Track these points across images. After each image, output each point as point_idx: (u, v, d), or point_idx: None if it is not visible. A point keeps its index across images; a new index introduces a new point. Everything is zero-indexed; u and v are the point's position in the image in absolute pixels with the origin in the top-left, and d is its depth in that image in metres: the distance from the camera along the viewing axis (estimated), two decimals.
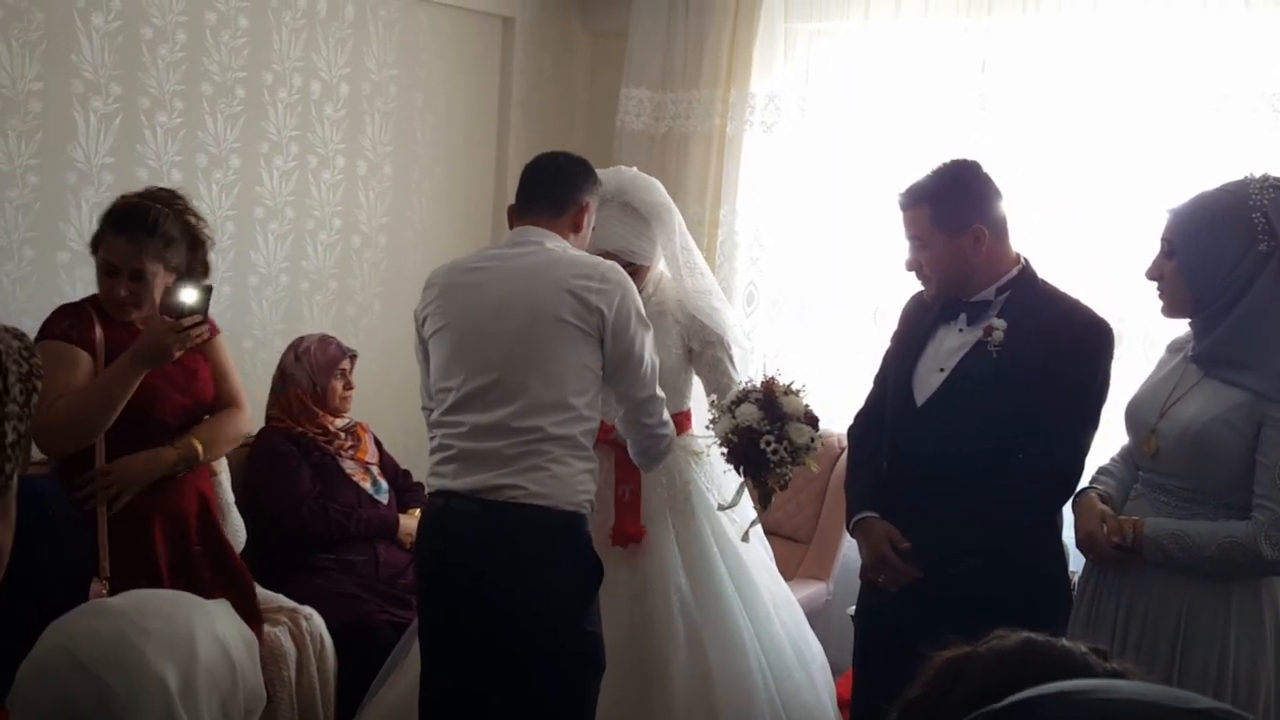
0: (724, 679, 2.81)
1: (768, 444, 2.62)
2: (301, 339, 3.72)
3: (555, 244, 2.52)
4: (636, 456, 2.67)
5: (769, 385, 2.70)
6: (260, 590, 3.37)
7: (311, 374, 3.64)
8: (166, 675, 1.26)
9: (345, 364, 3.69)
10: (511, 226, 2.62)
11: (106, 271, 2.71)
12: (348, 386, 3.71)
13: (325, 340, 3.71)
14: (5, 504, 0.83)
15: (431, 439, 2.57)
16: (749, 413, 2.65)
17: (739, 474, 2.74)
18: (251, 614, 2.84)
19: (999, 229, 2.59)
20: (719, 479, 3.00)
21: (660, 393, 2.57)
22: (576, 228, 2.59)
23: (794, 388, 2.72)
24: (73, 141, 3.39)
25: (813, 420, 2.70)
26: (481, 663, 2.45)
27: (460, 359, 2.48)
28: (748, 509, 2.93)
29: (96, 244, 2.74)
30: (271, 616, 3.25)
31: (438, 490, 2.49)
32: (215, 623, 1.35)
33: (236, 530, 3.40)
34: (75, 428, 2.61)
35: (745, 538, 2.90)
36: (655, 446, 2.63)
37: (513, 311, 2.43)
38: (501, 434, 2.40)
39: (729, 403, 2.72)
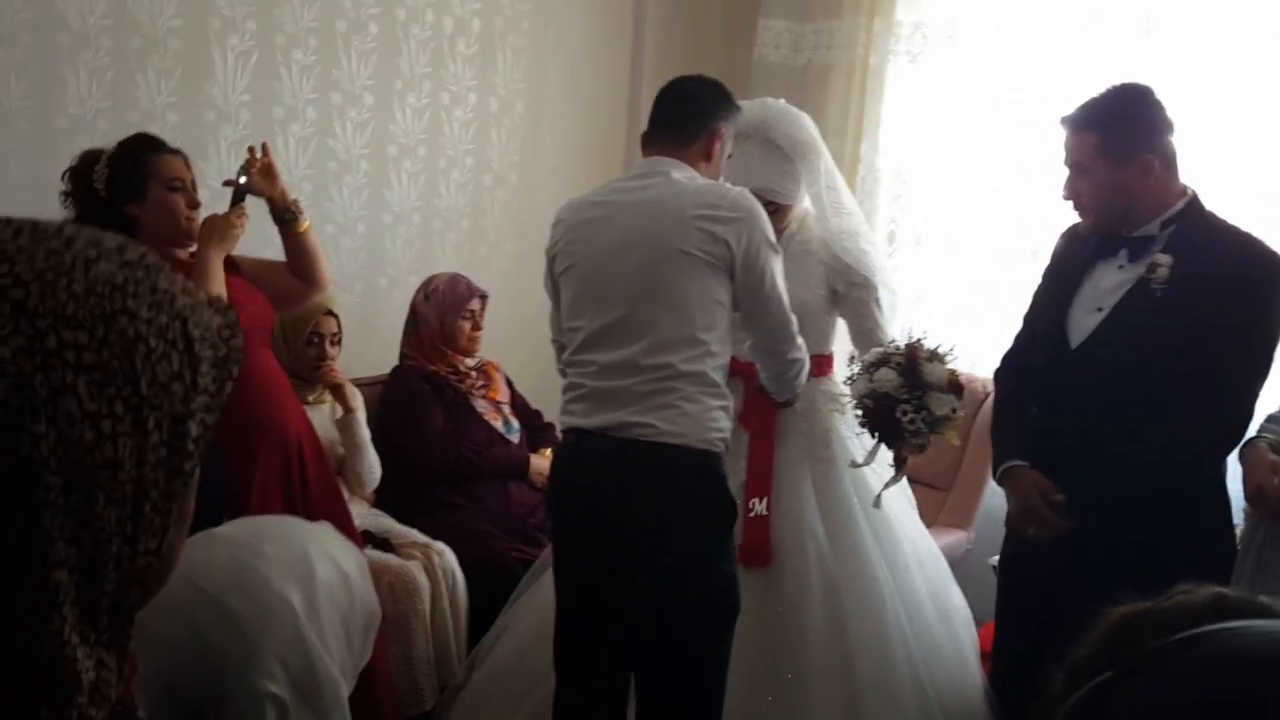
0: (860, 633, 2.72)
1: (904, 413, 2.51)
2: (432, 278, 3.72)
3: (682, 174, 2.43)
4: (769, 383, 2.60)
5: (912, 350, 2.58)
6: (393, 524, 3.42)
7: (440, 313, 3.64)
8: (290, 596, 1.25)
9: (474, 304, 3.68)
10: (644, 154, 2.54)
11: (172, 189, 2.66)
12: (475, 327, 3.68)
13: (455, 280, 3.70)
14: (184, 503, 0.77)
15: (563, 375, 2.54)
16: (887, 379, 2.54)
17: (872, 438, 2.64)
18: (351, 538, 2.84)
19: (1169, 161, 2.42)
20: (858, 429, 2.88)
21: (793, 317, 2.48)
22: (707, 156, 2.49)
23: (940, 352, 2.58)
24: (210, 79, 3.42)
25: (957, 389, 2.56)
26: (616, 601, 2.41)
27: (587, 297, 2.43)
28: (883, 467, 2.80)
29: (135, 179, 2.64)
30: (405, 551, 3.28)
31: (569, 428, 2.47)
32: (326, 542, 1.34)
33: (372, 467, 3.44)
34: None
35: (877, 504, 2.77)
36: (787, 372, 2.54)
37: (637, 246, 2.36)
38: (630, 371, 2.35)
39: (868, 363, 2.61)
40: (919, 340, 2.62)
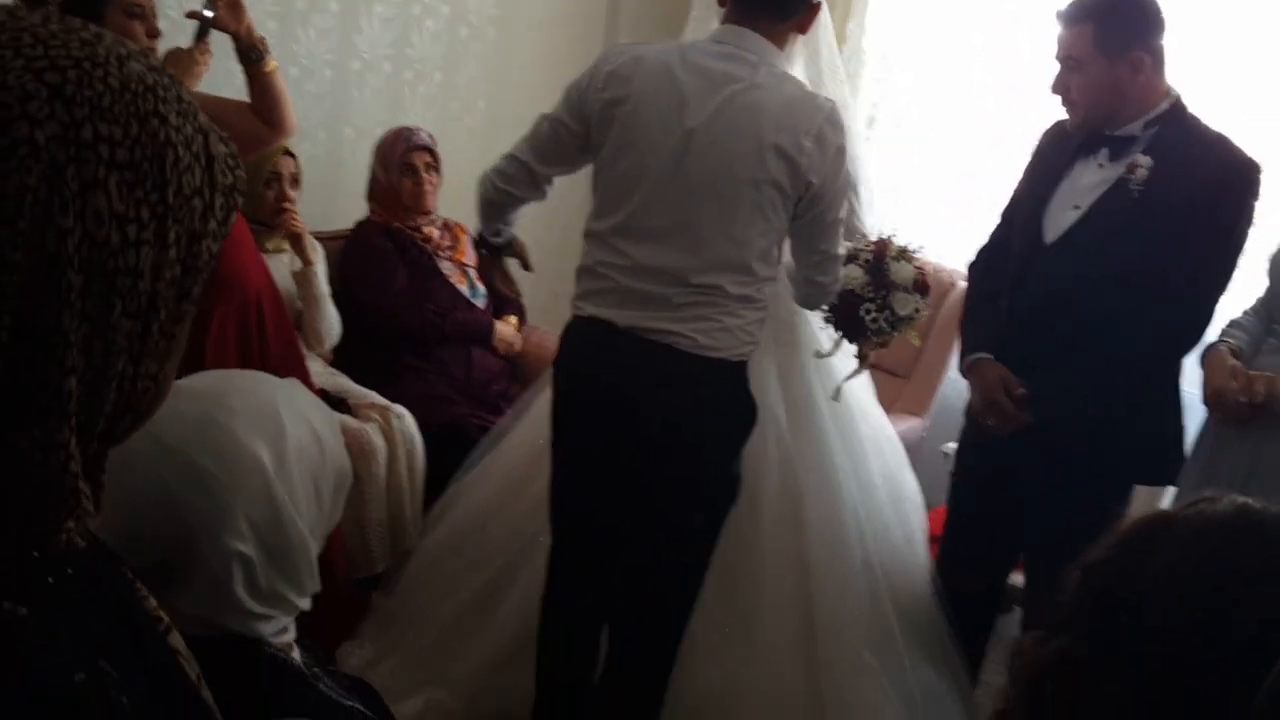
0: (815, 514, 2.75)
1: (867, 311, 2.51)
2: (387, 132, 3.61)
3: (771, 71, 2.24)
4: (794, 298, 2.56)
5: (881, 247, 2.57)
6: (351, 385, 3.38)
7: (383, 168, 3.53)
8: (260, 452, 1.21)
9: (415, 158, 3.52)
10: (724, 9, 2.31)
11: (131, 15, 2.48)
12: (417, 184, 3.53)
13: (398, 133, 3.56)
14: (183, 333, 0.76)
15: (491, 186, 2.48)
16: (854, 276, 2.53)
17: (836, 333, 2.65)
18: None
19: (1159, 60, 2.43)
20: (822, 324, 2.88)
21: (842, 251, 2.43)
22: (803, 28, 2.33)
23: (909, 250, 2.57)
24: None
25: (923, 288, 2.57)
26: (619, 490, 2.38)
27: (641, 187, 2.26)
28: (844, 360, 2.80)
29: (91, 1, 2.42)
30: (363, 413, 3.25)
31: (592, 316, 2.33)
32: (296, 399, 1.30)
33: (331, 323, 3.39)
34: None
35: (836, 396, 2.78)
36: (819, 296, 2.50)
37: (709, 159, 2.21)
38: (675, 282, 2.25)
39: None
40: (889, 237, 2.61)
